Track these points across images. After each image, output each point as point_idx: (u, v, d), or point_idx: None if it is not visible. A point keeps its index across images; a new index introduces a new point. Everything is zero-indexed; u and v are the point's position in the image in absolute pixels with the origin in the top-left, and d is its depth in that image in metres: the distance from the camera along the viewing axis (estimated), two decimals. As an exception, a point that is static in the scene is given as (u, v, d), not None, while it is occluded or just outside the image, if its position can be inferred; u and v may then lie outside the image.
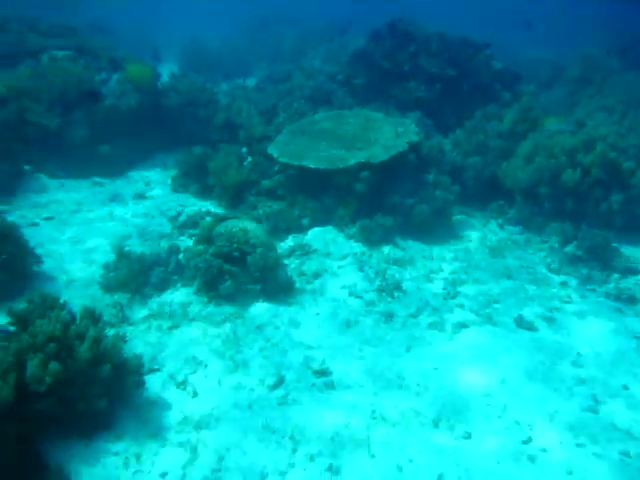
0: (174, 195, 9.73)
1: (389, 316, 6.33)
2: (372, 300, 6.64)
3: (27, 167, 9.94)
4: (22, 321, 4.47)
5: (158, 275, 6.74)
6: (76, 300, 6.37)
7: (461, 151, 9.78)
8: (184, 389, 5.04)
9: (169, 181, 10.11)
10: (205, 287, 6.57)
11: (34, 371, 3.98)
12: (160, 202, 9.39)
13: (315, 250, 7.68)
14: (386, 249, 7.79)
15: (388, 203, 8.37)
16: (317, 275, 7.11)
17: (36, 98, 10.05)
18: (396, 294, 6.76)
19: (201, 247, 7.14)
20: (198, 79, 12.19)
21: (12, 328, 4.49)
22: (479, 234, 8.61)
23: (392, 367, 5.45)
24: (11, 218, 8.09)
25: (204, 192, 9.54)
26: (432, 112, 11.33)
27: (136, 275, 6.63)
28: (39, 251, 7.05)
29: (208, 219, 8.18)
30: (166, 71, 12.03)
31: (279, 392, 5.04)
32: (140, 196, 9.55)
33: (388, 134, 8.96)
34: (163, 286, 6.73)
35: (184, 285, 6.79)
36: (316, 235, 8.05)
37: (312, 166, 8.22)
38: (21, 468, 3.84)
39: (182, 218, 8.58)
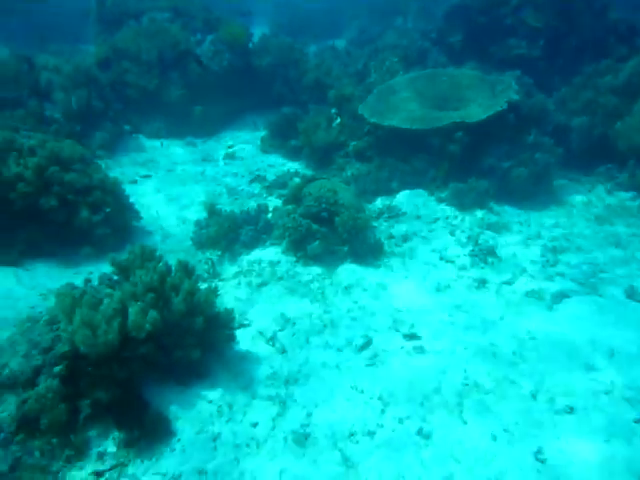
0: (264, 155, 9.80)
1: (482, 282, 6.04)
2: (464, 265, 6.37)
3: (127, 127, 10.38)
4: (124, 270, 4.68)
5: (247, 233, 6.83)
6: (171, 255, 6.65)
7: (566, 110, 9.03)
8: (273, 345, 5.11)
9: (259, 141, 10.18)
10: (293, 246, 6.59)
11: (135, 318, 4.14)
12: (250, 162, 9.49)
13: (404, 213, 7.46)
14: (480, 213, 7.42)
15: (483, 166, 7.94)
16: (406, 238, 6.92)
17: (136, 59, 10.39)
18: (490, 259, 6.44)
19: (290, 207, 7.17)
20: (288, 39, 12.06)
21: (115, 277, 4.71)
22: (584, 199, 7.98)
23: (485, 334, 5.22)
24: (112, 174, 8.55)
25: (293, 153, 9.52)
26: (534, 71, 10.50)
27: (226, 232, 6.76)
28: (138, 207, 7.39)
29: (296, 179, 8.18)
30: (258, 33, 11.95)
31: (367, 353, 4.98)
32: (231, 156, 9.71)
33: (485, 93, 8.44)
34: (252, 244, 6.83)
35: (272, 244, 6.85)
36: (406, 198, 7.81)
37: (403, 126, 7.93)
38: (125, 407, 4.06)
39: (271, 178, 8.63)
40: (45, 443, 3.80)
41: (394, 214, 7.46)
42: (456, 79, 8.97)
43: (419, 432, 4.09)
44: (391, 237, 6.97)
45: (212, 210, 6.96)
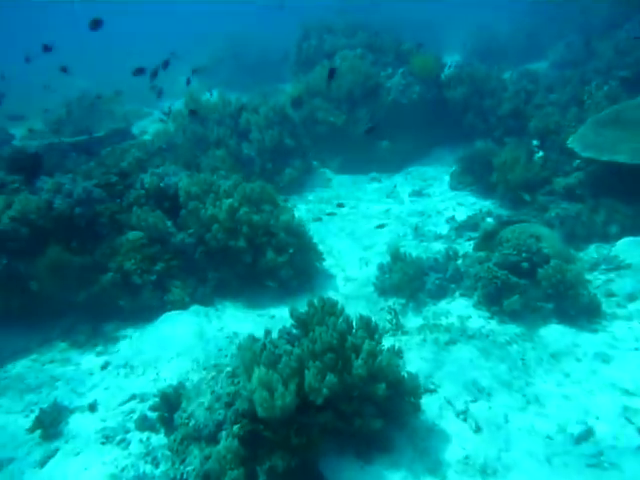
0: (452, 192, 9.11)
1: None
2: None
3: (315, 162, 10.56)
4: (303, 325, 4.40)
5: (434, 282, 6.21)
6: (352, 301, 6.33)
7: None
8: (464, 420, 4.38)
9: (447, 178, 9.53)
10: (487, 300, 5.80)
11: (312, 381, 3.81)
12: (437, 200, 8.89)
13: (629, 265, 6.15)
14: None
15: None
16: (633, 297, 5.65)
17: (327, 97, 10.56)
18: None
19: (482, 254, 6.39)
20: (483, 67, 11.25)
21: (294, 330, 4.45)
22: None
23: None
24: (300, 213, 8.63)
25: (485, 190, 8.68)
26: None
27: (411, 280, 6.23)
28: (321, 246, 7.25)
29: (489, 220, 7.36)
30: (449, 61, 11.39)
31: (587, 448, 3.98)
32: (417, 193, 9.21)
33: None
34: (439, 294, 6.19)
35: (462, 295, 6.13)
36: (629, 246, 6.47)
37: (627, 161, 6.64)
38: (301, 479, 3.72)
39: (461, 219, 7.91)
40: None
41: (614, 266, 6.20)
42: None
43: None
44: (611, 295, 5.76)
45: (396, 255, 6.49)
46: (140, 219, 5.99)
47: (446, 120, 10.59)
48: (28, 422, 4.59)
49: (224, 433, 3.91)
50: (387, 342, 5.28)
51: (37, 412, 4.60)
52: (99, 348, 5.58)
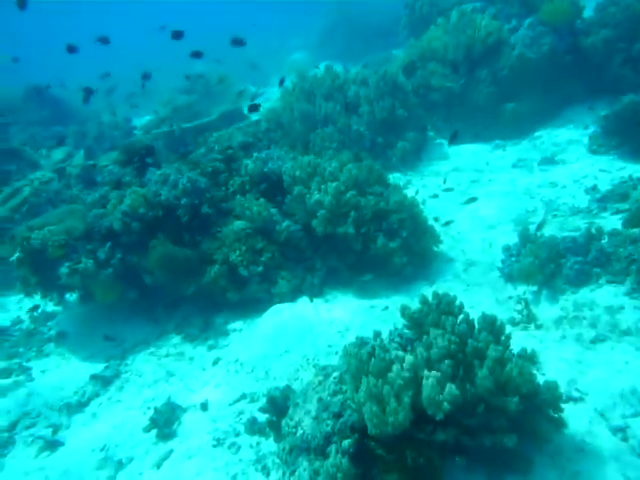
0: (592, 157, 7.84)
1: None
2: None
3: (431, 133, 9.76)
4: (417, 324, 3.87)
5: (573, 266, 5.30)
6: (474, 288, 5.66)
7: None
8: (624, 439, 3.61)
9: (586, 140, 8.24)
10: (643, 288, 4.83)
11: (429, 393, 3.29)
12: (574, 167, 7.71)
13: None
14: None
15: None
16: None
17: (442, 59, 9.65)
18: None
19: (637, 230, 5.35)
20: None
21: (406, 331, 3.94)
22: None
23: None
24: (415, 187, 7.99)
25: (637, 152, 7.34)
26: None
27: (543, 264, 5.38)
28: (438, 227, 6.60)
29: (643, 189, 6.21)
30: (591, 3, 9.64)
31: None
32: (548, 160, 8.07)
33: None
34: (580, 280, 5.27)
35: (610, 282, 5.17)
36: None
37: None
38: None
39: (605, 188, 6.76)
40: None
41: None
42: None
43: None
44: None
45: (525, 235, 5.65)
46: (244, 208, 5.78)
47: (582, 74, 9.14)
48: (145, 420, 4.60)
49: (333, 447, 3.54)
50: (518, 338, 4.61)
51: (153, 411, 4.60)
52: (210, 342, 5.51)
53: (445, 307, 3.85)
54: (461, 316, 3.83)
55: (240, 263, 5.52)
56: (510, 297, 5.43)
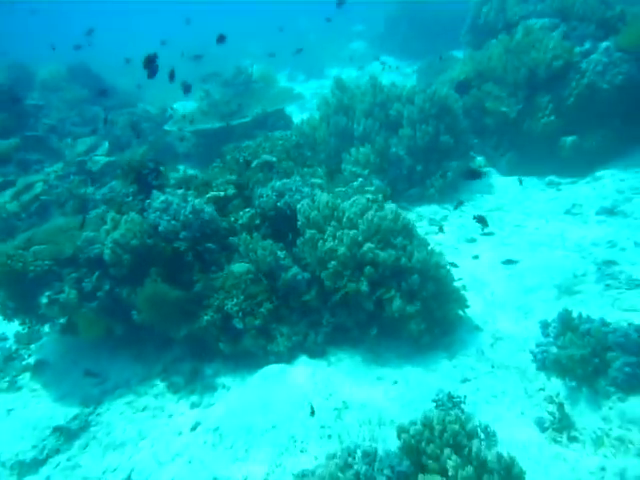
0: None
1: None
2: None
3: (479, 158, 8.86)
4: (414, 452, 3.19)
5: (622, 367, 4.44)
6: (499, 372, 4.88)
7: None
8: None
9: (658, 188, 7.20)
10: None
11: None
12: (639, 224, 6.71)
13: None
14: None
15: None
16: None
17: (500, 80, 8.68)
18: None
19: None
20: None
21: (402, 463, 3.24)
22: None
23: None
24: (448, 229, 7.19)
25: None
26: None
27: (585, 357, 4.54)
28: (468, 283, 5.83)
29: None
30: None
31: None
32: (608, 211, 7.07)
33: None
34: (630, 385, 4.42)
35: (671, 391, 4.31)
36: None
37: None
38: None
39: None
40: None
41: None
42: None
43: None
44: None
45: (566, 320, 4.81)
46: (248, 249, 5.16)
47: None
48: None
49: None
50: (545, 453, 3.91)
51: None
52: (194, 397, 4.95)
53: (450, 439, 3.13)
54: (475, 445, 3.11)
55: (235, 314, 4.92)
56: (542, 389, 4.65)
